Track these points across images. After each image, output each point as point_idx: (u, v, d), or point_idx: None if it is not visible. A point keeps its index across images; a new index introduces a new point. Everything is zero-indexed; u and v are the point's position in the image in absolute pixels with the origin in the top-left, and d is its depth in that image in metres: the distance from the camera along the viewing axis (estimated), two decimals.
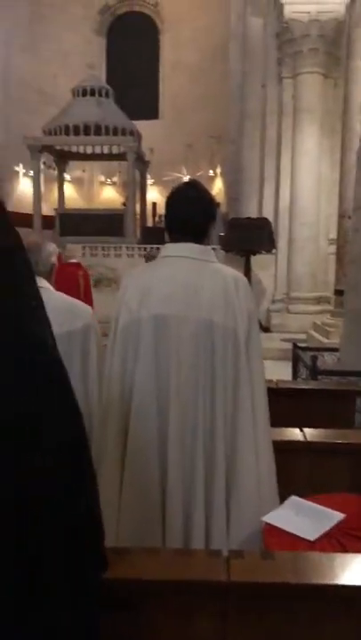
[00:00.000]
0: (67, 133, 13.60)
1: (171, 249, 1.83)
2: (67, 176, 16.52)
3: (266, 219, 9.90)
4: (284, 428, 2.42)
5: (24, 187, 16.71)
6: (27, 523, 0.78)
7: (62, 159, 15.29)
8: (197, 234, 1.81)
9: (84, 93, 14.07)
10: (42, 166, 14.25)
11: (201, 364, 1.71)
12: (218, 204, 15.80)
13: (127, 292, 1.80)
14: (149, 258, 7.67)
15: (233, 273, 1.82)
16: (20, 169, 17.09)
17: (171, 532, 1.68)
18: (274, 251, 9.93)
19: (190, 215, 1.80)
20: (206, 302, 1.72)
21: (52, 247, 2.13)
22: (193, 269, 1.77)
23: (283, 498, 1.77)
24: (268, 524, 1.61)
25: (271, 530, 1.59)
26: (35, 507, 0.79)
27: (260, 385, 1.78)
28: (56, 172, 15.44)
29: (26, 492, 0.77)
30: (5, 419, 0.76)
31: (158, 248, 11.13)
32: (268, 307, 10.36)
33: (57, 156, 14.92)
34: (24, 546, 0.77)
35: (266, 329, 9.61)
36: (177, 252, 1.80)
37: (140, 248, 12.19)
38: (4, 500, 0.76)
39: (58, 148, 14.38)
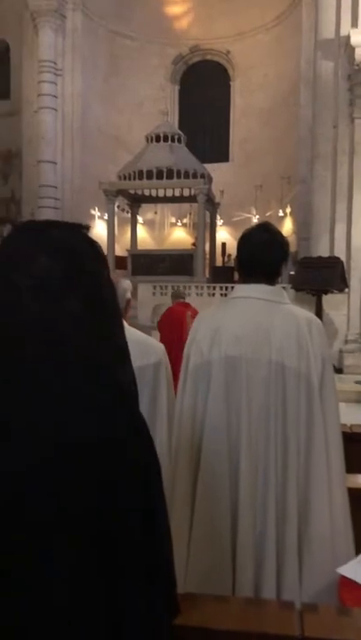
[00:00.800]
0: (140, 178, 14.07)
1: (242, 290, 1.83)
2: (139, 218, 17.02)
3: (337, 258, 9.76)
4: (359, 475, 2.32)
5: (99, 229, 17.35)
6: (109, 561, 0.78)
7: (135, 202, 15.79)
8: (269, 275, 1.81)
9: (157, 139, 14.57)
10: (116, 209, 14.77)
11: (272, 408, 1.67)
12: (288, 244, 15.73)
13: (198, 333, 1.81)
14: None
15: (306, 314, 1.79)
16: (96, 212, 17.78)
17: (241, 579, 1.63)
18: (346, 290, 9.73)
19: (263, 256, 1.80)
20: (278, 345, 1.70)
21: (126, 284, 2.18)
22: (264, 310, 1.76)
23: (359, 549, 1.69)
24: (343, 577, 1.53)
25: (347, 583, 1.51)
26: (116, 546, 0.79)
27: (334, 431, 1.72)
28: (129, 215, 15.95)
29: (108, 534, 0.78)
30: (88, 471, 0.77)
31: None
32: (341, 347, 10.10)
33: (130, 199, 15.43)
34: (112, 589, 0.77)
35: (338, 370, 9.35)
36: (248, 293, 1.80)
37: (208, 287, 12.28)
38: (90, 547, 0.77)
39: (131, 191, 14.88)
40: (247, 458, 1.66)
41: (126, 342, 0.89)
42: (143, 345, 2.06)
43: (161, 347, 2.14)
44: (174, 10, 19.35)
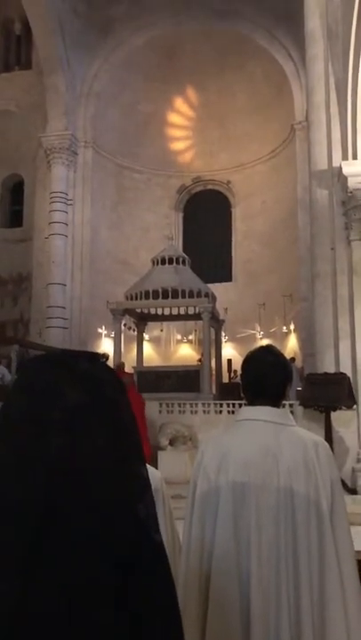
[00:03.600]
0: (147, 297, 14.49)
1: (248, 412, 1.83)
2: (145, 336, 17.31)
3: (343, 374, 9.75)
4: None
5: (105, 346, 17.58)
6: None
7: (142, 321, 16.14)
8: (275, 396, 1.82)
9: (163, 262, 15.18)
10: (122, 328, 15.08)
11: (282, 535, 1.61)
12: (293, 359, 15.89)
13: (205, 458, 1.78)
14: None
15: (313, 438, 1.78)
16: (103, 330, 18.13)
17: None
18: (355, 407, 9.62)
19: (268, 379, 1.82)
20: (285, 470, 1.67)
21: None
22: (271, 434, 1.75)
23: None
24: None
25: None
26: None
27: (348, 560, 1.63)
28: (136, 333, 16.25)
29: None
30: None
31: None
32: (353, 466, 9.79)
33: (137, 318, 15.80)
34: None
35: (352, 490, 8.99)
36: (255, 416, 1.80)
37: (215, 404, 12.18)
38: None
39: (138, 310, 15.27)
40: (258, 594, 1.57)
41: (147, 472, 0.88)
42: None
43: (158, 474, 2.12)
44: (178, 146, 21.09)
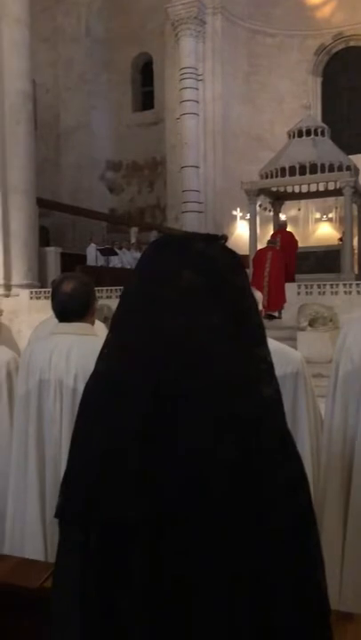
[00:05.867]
0: (283, 175, 13.86)
1: None
2: (282, 216, 16.78)
3: None
4: None
5: (241, 230, 17.38)
6: (263, 594, 0.75)
7: (278, 200, 15.59)
8: None
9: (300, 134, 14.24)
10: (258, 208, 14.70)
11: None
12: None
13: (348, 339, 1.72)
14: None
15: None
16: (238, 213, 17.84)
17: None
18: None
19: None
20: None
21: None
22: None
23: None
24: None
25: None
26: (269, 569, 0.76)
27: None
28: (272, 214, 15.78)
29: (263, 556, 0.76)
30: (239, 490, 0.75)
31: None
32: None
33: (273, 197, 15.26)
34: (264, 617, 0.75)
35: None
36: None
37: (357, 285, 11.72)
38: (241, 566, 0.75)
39: (274, 189, 14.71)
40: None
41: (270, 354, 0.86)
42: (281, 354, 2.01)
43: (298, 355, 2.08)
44: None
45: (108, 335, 0.87)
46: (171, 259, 0.84)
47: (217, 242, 0.87)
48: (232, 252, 0.88)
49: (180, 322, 0.79)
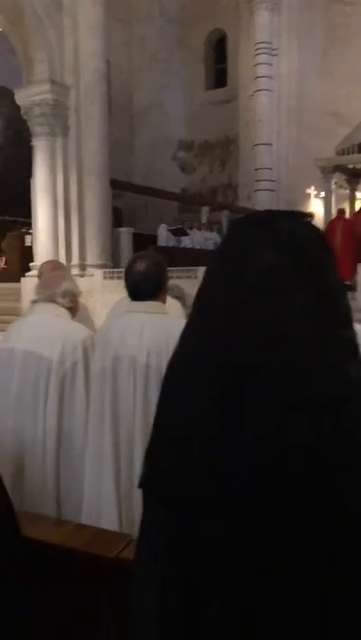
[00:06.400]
0: (360, 151, 13.37)
1: None
2: (359, 194, 16.21)
3: None
4: None
5: (315, 208, 16.94)
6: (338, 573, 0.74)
7: (355, 177, 15.06)
8: None
9: None
10: (333, 186, 14.27)
11: None
12: None
13: None
14: None
15: None
16: (312, 191, 17.39)
17: None
18: None
19: None
20: None
21: None
22: None
23: None
24: None
25: None
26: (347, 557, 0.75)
27: None
28: (348, 191, 15.28)
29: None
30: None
31: None
32: None
33: (349, 174, 14.77)
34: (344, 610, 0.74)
35: None
36: None
37: None
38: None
39: (350, 166, 14.22)
40: None
41: (356, 336, 0.83)
42: None
43: None
44: None
45: (189, 314, 0.87)
46: (253, 237, 0.83)
47: (302, 219, 0.85)
48: (318, 231, 0.85)
49: (260, 303, 0.78)
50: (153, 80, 19.82)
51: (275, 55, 16.83)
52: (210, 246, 14.26)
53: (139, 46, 20.01)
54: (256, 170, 16.98)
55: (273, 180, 16.95)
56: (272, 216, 0.85)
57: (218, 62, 20.29)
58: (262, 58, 16.59)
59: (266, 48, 16.59)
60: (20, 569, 1.03)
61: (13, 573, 1.01)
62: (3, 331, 2.68)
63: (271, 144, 16.97)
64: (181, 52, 19.95)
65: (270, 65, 16.74)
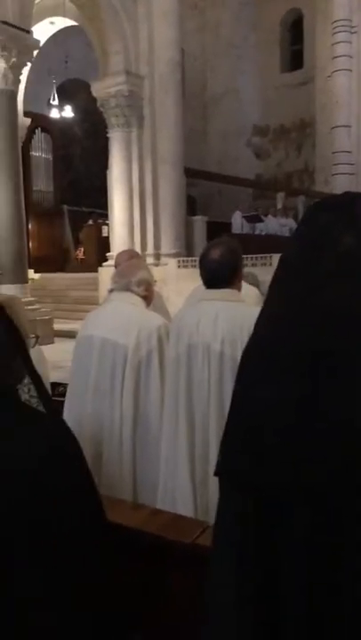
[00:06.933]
0: None
1: None
2: None
3: None
4: None
5: None
6: None
7: None
8: None
9: None
10: None
11: None
12: None
13: None
14: None
15: None
16: None
17: None
18: None
19: None
20: None
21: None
22: None
23: None
24: None
25: None
26: None
27: None
28: None
29: None
30: None
31: None
32: None
33: None
34: None
35: None
36: None
37: None
38: None
39: None
40: None
41: None
42: None
43: None
44: None
45: (265, 301, 0.86)
46: (330, 223, 0.80)
47: None
48: None
49: (337, 287, 0.76)
50: (228, 66, 19.60)
51: (354, 33, 16.18)
52: (285, 233, 14.01)
53: (213, 32, 19.82)
54: (334, 153, 16.46)
55: (352, 164, 16.38)
56: (350, 199, 0.81)
57: (294, 44, 19.77)
58: (341, 36, 15.99)
59: (344, 25, 15.97)
60: (107, 551, 1.06)
61: (100, 555, 1.03)
62: (82, 319, 2.76)
63: (350, 126, 16.39)
64: (256, 35, 19.59)
65: (350, 43, 16.11)
